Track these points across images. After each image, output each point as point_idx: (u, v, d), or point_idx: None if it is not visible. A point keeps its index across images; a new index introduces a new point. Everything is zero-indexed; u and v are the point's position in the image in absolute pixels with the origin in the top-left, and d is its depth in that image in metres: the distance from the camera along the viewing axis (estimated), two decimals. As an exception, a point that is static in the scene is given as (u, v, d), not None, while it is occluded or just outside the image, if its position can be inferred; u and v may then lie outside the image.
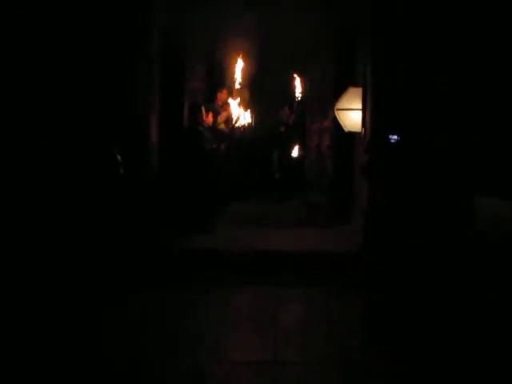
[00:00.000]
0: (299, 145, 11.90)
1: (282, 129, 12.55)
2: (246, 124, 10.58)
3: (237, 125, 9.94)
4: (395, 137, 6.58)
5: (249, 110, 10.75)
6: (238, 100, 10.07)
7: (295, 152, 11.94)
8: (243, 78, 10.24)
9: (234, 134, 9.95)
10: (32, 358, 4.70)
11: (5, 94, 6.23)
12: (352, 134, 8.54)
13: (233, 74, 10.07)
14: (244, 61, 10.14)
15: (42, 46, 6.44)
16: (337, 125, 8.59)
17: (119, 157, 6.53)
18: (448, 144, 6.68)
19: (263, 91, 12.37)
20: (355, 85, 8.25)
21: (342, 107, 8.10)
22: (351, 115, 8.04)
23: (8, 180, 6.07)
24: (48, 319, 5.41)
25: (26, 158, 6.15)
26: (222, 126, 9.69)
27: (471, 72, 6.57)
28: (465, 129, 6.60)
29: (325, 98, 10.14)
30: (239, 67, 10.06)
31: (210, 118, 9.35)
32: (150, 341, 5.25)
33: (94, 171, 6.32)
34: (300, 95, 12.07)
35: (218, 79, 10.94)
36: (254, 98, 11.38)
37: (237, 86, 9.92)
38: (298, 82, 12.09)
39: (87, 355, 4.88)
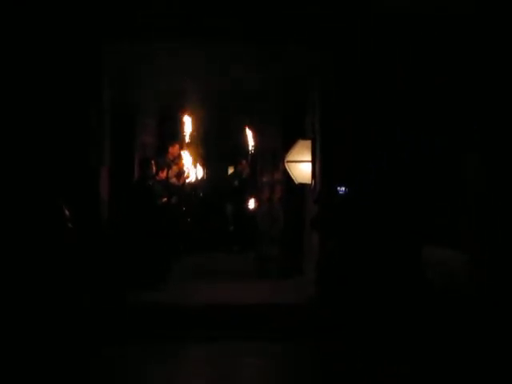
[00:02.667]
0: (252, 197, 11.96)
1: (236, 182, 12.64)
2: (198, 178, 10.60)
3: (188, 179, 9.93)
4: (343, 188, 6.66)
5: (200, 164, 10.79)
6: (190, 154, 10.10)
7: (249, 205, 12.00)
8: (194, 132, 10.29)
9: (185, 187, 9.92)
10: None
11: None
12: (303, 186, 8.63)
13: (184, 128, 10.11)
14: (195, 115, 10.21)
15: None
16: (288, 177, 8.68)
17: (67, 211, 6.42)
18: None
19: (215, 145, 12.47)
20: (304, 137, 8.39)
21: (291, 159, 8.21)
22: (301, 167, 8.15)
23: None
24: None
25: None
26: (174, 180, 9.67)
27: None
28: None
29: (275, 151, 10.25)
30: (190, 121, 10.11)
31: (164, 173, 9.32)
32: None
33: (41, 226, 6.19)
34: (252, 148, 12.18)
35: (170, 133, 10.98)
36: (205, 152, 11.44)
37: (188, 139, 9.95)
38: (249, 136, 12.20)
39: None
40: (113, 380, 5.57)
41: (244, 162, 12.61)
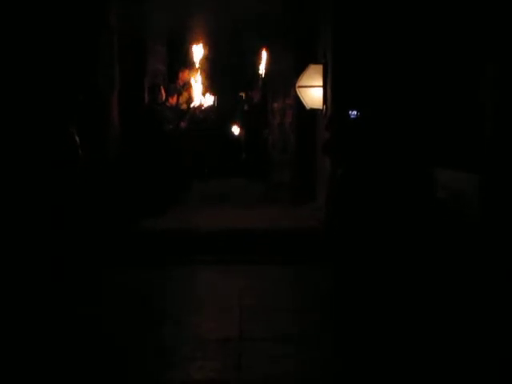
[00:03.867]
0: (264, 123, 11.92)
1: (246, 107, 12.57)
2: (209, 103, 10.53)
3: (198, 104, 9.87)
4: (355, 112, 6.56)
5: (211, 90, 10.71)
6: (200, 79, 10.01)
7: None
8: (205, 57, 10.16)
9: (194, 113, 9.88)
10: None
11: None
12: (314, 112, 8.56)
13: (194, 54, 9.98)
14: (205, 40, 10.06)
15: None
16: (299, 103, 8.60)
17: (77, 138, 6.41)
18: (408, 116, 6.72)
19: (226, 71, 12.33)
20: (316, 62, 8.27)
21: (303, 84, 8.10)
22: (312, 92, 8.05)
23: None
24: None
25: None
26: (184, 106, 9.62)
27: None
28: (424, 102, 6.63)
29: (287, 77, 10.13)
30: (201, 47, 9.98)
31: (174, 99, 9.28)
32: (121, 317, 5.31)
33: (52, 154, 6.20)
34: (263, 74, 12.05)
35: (180, 60, 10.85)
36: (216, 78, 11.33)
37: (198, 65, 9.84)
38: (261, 62, 12.05)
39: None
40: (119, 303, 5.74)
41: (256, 87, 12.51)
